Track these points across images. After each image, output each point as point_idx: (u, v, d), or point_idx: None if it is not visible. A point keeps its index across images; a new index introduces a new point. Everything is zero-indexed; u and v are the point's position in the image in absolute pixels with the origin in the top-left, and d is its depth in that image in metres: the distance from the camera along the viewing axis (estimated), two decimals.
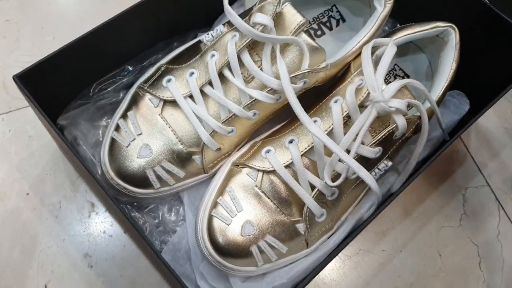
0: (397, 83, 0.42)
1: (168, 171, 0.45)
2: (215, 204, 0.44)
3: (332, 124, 0.43)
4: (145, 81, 0.47)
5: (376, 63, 0.44)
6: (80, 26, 0.59)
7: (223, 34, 0.45)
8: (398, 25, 0.59)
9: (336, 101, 0.44)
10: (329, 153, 0.43)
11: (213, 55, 0.45)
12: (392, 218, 0.53)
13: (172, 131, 0.45)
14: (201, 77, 0.45)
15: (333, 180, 0.42)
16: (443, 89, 0.48)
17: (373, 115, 0.41)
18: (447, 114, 0.54)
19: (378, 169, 0.45)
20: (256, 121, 0.47)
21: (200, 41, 0.47)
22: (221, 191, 0.45)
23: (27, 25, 0.58)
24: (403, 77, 0.54)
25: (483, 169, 0.57)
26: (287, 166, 0.44)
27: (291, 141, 0.44)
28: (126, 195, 0.45)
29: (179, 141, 0.45)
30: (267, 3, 0.43)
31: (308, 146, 0.44)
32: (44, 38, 0.57)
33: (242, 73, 0.44)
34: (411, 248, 0.52)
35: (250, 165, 0.45)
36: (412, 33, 0.49)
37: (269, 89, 0.44)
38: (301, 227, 0.44)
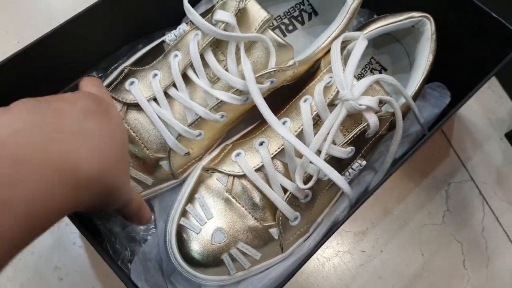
0: (367, 80, 0.41)
1: (134, 178, 0.43)
2: (184, 212, 0.42)
3: (302, 125, 0.42)
4: (108, 85, 0.44)
5: (346, 58, 0.42)
6: (46, 28, 0.57)
7: (186, 33, 0.43)
8: (375, 15, 0.57)
9: (305, 101, 0.42)
10: (300, 154, 0.41)
11: (176, 56, 0.42)
12: (372, 217, 0.51)
13: (136, 136, 0.42)
14: (165, 78, 0.42)
15: (305, 183, 0.41)
16: (420, 82, 0.46)
17: (342, 114, 0.40)
18: (426, 108, 0.52)
19: (352, 169, 0.44)
20: (225, 123, 0.44)
21: (163, 41, 0.45)
22: (190, 198, 0.43)
23: None
24: (380, 71, 0.53)
25: (466, 163, 0.55)
26: (257, 170, 0.42)
27: (261, 143, 0.43)
28: None
29: (145, 146, 0.42)
30: (229, 0, 0.41)
31: (279, 148, 0.42)
32: (9, 43, 0.55)
33: (207, 74, 0.42)
34: (392, 248, 0.50)
35: (220, 169, 0.43)
36: (386, 25, 0.47)
37: (235, 89, 0.42)
38: (274, 232, 0.42)
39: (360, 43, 0.42)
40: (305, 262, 0.39)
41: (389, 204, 0.52)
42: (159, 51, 0.44)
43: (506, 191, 0.54)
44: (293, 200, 0.42)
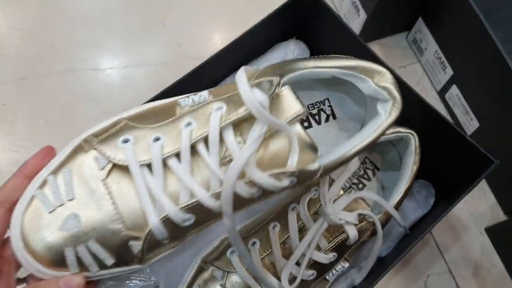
0: (348, 198, 0.46)
1: (92, 253, 0.36)
2: None
3: (289, 231, 0.47)
4: (96, 134, 0.38)
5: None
6: (71, 109, 0.64)
7: (207, 102, 0.38)
8: None
9: (292, 209, 0.48)
10: (286, 255, 0.47)
11: (189, 124, 0.37)
12: None
13: (112, 204, 0.36)
14: (168, 145, 0.36)
15: (290, 283, 0.46)
16: (402, 192, 0.51)
17: (324, 226, 0.45)
18: (412, 208, 0.56)
19: (336, 270, 0.49)
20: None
21: (176, 103, 0.39)
22: None
23: (23, 109, 0.62)
24: (373, 170, 0.57)
25: (446, 255, 0.60)
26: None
27: (253, 244, 0.48)
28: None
29: (118, 218, 0.36)
30: (265, 81, 0.37)
31: (268, 251, 0.47)
32: (37, 122, 0.61)
33: (219, 152, 0.36)
34: None
35: (216, 265, 0.48)
36: None
37: (248, 179, 0.36)
38: None
39: (352, 164, 0.47)
40: None
41: None
42: (168, 113, 0.39)
43: (482, 286, 0.58)
44: None
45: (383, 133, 0.41)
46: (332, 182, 0.47)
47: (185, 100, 0.39)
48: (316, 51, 0.63)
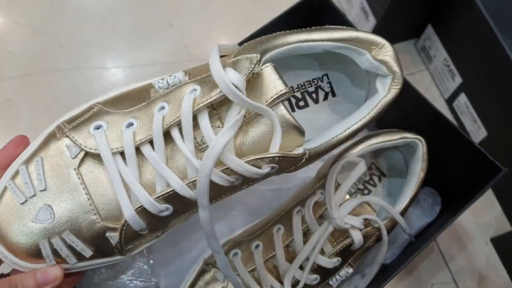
0: (354, 201, 0.45)
1: (69, 246, 0.35)
2: None
3: (293, 234, 0.46)
4: (69, 121, 0.36)
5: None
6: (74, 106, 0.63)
7: (181, 84, 0.36)
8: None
9: (297, 212, 0.47)
10: (289, 259, 0.46)
11: (162, 108, 0.35)
12: None
13: (86, 194, 0.35)
14: (142, 131, 0.35)
15: (294, 286, 0.45)
16: (409, 198, 0.50)
17: (329, 230, 0.44)
18: (418, 216, 0.56)
19: (339, 275, 0.48)
20: None
21: (151, 85, 0.37)
22: None
23: (27, 106, 0.62)
24: (379, 176, 0.57)
25: (450, 264, 0.59)
26: (251, 271, 0.46)
27: (256, 246, 0.47)
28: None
29: (94, 209, 0.35)
30: (243, 58, 0.34)
31: (272, 254, 0.46)
32: (40, 120, 0.61)
33: (195, 139, 0.34)
34: None
35: (218, 267, 0.47)
36: (381, 142, 0.51)
37: (226, 167, 0.34)
38: None
39: (359, 168, 0.47)
40: None
41: None
42: (142, 96, 0.37)
43: None
44: None
45: (380, 113, 0.38)
46: (338, 185, 0.47)
47: (160, 82, 0.36)
48: None
